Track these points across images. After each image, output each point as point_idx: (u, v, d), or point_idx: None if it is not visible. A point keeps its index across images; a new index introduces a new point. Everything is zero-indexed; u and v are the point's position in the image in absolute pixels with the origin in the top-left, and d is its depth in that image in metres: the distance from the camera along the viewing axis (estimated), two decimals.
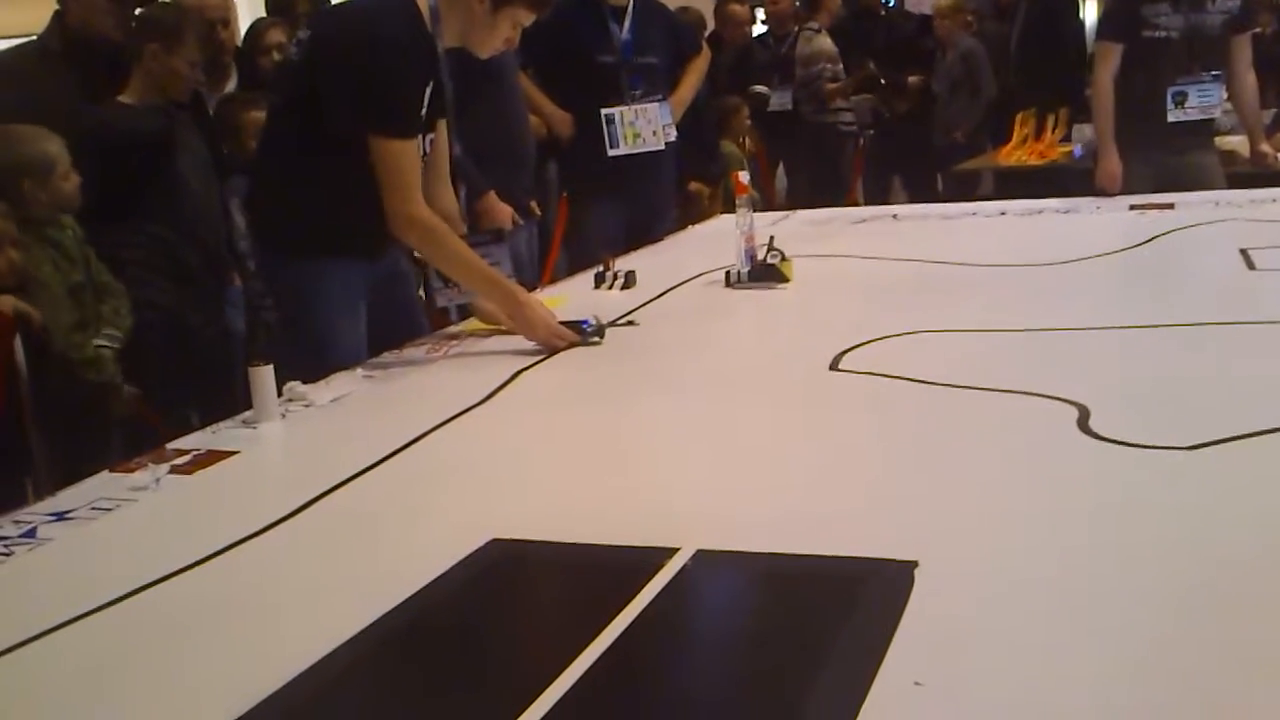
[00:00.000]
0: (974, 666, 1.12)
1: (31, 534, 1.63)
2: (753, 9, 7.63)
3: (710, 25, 6.83)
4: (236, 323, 3.75)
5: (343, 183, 2.45)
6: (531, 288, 3.31)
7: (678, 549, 1.40)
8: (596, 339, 2.50)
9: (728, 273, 2.99)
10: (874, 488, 1.61)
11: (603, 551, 1.45)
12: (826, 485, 1.63)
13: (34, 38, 3.74)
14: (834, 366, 2.19)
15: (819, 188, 6.65)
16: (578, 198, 4.29)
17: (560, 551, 1.47)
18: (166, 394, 3.30)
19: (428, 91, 2.51)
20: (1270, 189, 3.77)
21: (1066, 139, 5.83)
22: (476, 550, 1.46)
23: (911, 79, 7.01)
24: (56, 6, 3.62)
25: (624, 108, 4.06)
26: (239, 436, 2.02)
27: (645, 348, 2.51)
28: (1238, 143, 4.61)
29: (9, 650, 1.29)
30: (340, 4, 2.94)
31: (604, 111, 4.04)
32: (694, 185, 5.52)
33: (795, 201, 6.25)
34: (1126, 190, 4.10)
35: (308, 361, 2.43)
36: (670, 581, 1.33)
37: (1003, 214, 3.94)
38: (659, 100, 4.13)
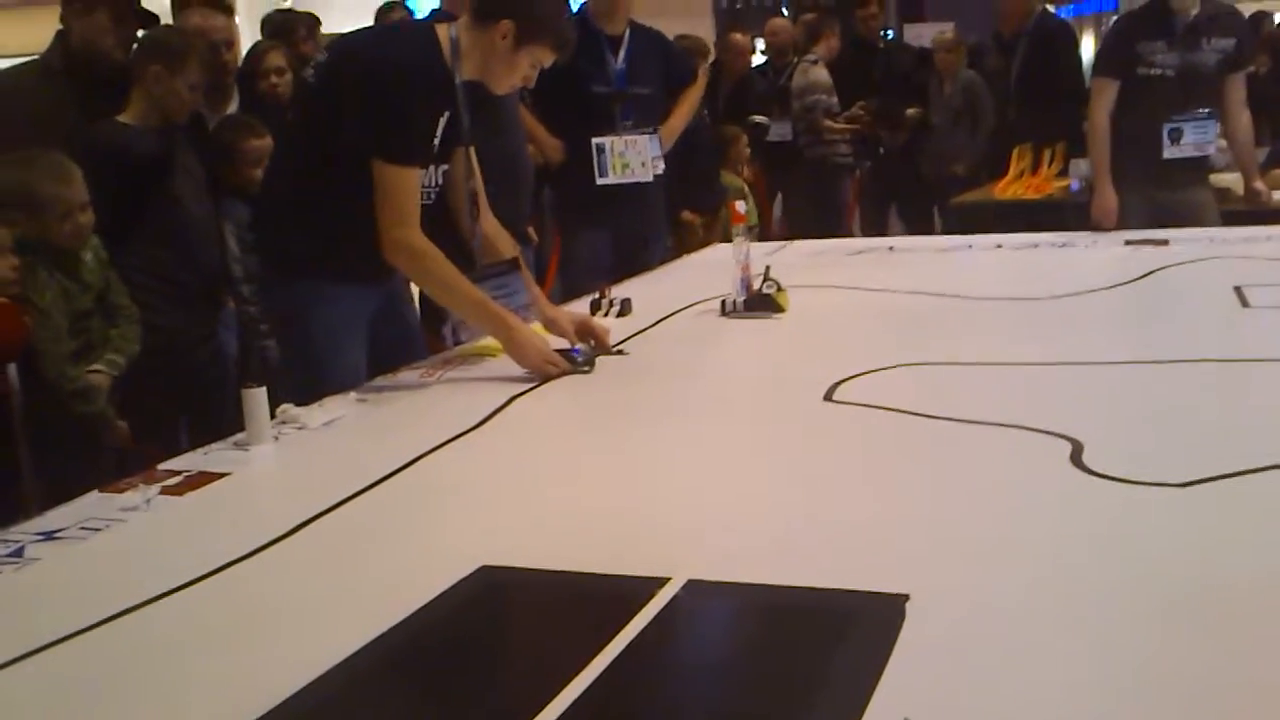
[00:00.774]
0: (965, 701, 1.11)
1: (19, 553, 1.62)
2: (754, 39, 7.67)
3: (712, 54, 6.86)
4: (230, 345, 3.74)
5: (351, 207, 2.46)
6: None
7: (669, 579, 1.39)
8: (587, 368, 2.50)
9: (723, 302, 3.00)
10: (866, 520, 1.60)
11: (594, 580, 1.45)
12: (819, 516, 1.63)
13: (36, 57, 3.75)
14: (828, 397, 2.19)
15: (815, 219, 6.68)
16: (567, 225, 4.31)
17: (550, 579, 1.46)
18: (159, 415, 3.29)
19: (442, 122, 2.52)
20: (1264, 227, 3.79)
21: (1063, 174, 5.85)
22: (466, 577, 1.45)
23: (909, 112, 7.04)
24: (60, 26, 3.63)
25: (614, 138, 4.09)
26: (231, 458, 2.02)
27: (640, 376, 2.51)
28: (1232, 180, 4.63)
29: None
30: (361, 29, 2.96)
31: (595, 141, 4.07)
32: (686, 215, 5.54)
33: (792, 232, 6.27)
34: (1122, 226, 4.11)
35: (307, 384, 2.43)
36: (661, 611, 1.33)
37: (998, 247, 3.95)
38: (650, 133, 4.17)
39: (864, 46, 7.47)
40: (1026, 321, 2.80)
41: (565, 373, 2.46)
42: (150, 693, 1.25)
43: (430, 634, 1.34)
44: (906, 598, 1.31)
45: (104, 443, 3.05)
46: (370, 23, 4.68)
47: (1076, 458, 1.75)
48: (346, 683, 1.23)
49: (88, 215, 3.02)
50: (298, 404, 2.24)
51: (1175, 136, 4.14)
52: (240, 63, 4.29)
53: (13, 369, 2.99)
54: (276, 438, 2.11)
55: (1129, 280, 3.19)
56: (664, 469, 1.91)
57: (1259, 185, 4.32)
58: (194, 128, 3.69)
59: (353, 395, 2.40)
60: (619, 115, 4.11)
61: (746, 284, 2.97)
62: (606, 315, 3.06)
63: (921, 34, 8.17)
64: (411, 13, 5.35)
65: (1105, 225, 4.15)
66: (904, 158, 7.07)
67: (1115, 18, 6.80)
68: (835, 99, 7.02)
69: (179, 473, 1.94)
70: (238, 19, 4.56)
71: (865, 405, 2.12)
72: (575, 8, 4.06)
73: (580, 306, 3.20)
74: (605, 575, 1.45)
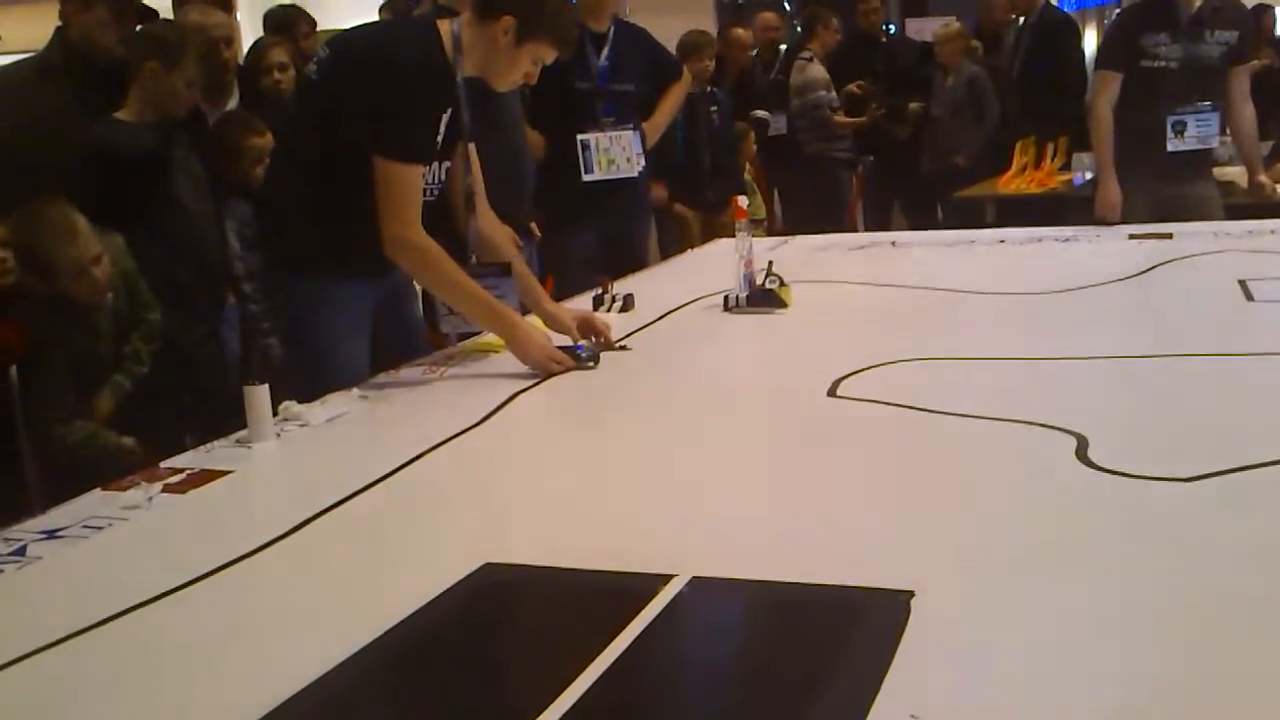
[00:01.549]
0: (971, 698, 1.11)
1: (21, 552, 1.62)
2: (770, 31, 7.67)
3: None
4: (232, 342, 3.74)
5: (353, 203, 2.45)
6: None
7: (674, 575, 1.39)
8: (591, 364, 2.49)
9: (726, 297, 2.99)
10: (871, 516, 1.60)
11: (598, 577, 1.44)
12: (823, 512, 1.62)
13: (35, 53, 3.74)
14: (832, 393, 2.18)
15: (816, 214, 6.67)
16: (552, 222, 4.32)
17: (554, 577, 1.46)
18: (160, 413, 3.29)
19: (444, 119, 2.51)
20: (1268, 220, 3.78)
21: (1066, 167, 5.84)
22: (469, 574, 1.45)
23: (912, 106, 7.04)
24: (59, 22, 3.62)
25: (598, 134, 4.10)
26: (233, 456, 2.01)
27: (643, 372, 2.50)
28: (1236, 173, 4.62)
29: None
30: (363, 25, 2.95)
31: (579, 137, 4.07)
32: (678, 208, 5.55)
33: (791, 227, 6.27)
34: (1125, 219, 4.10)
35: (310, 380, 2.43)
36: (665, 608, 1.32)
37: (1001, 242, 3.95)
38: (632, 128, 4.17)
39: (865, 41, 7.47)
40: (1030, 316, 2.80)
41: (569, 369, 2.45)
42: (153, 691, 1.24)
43: (433, 632, 1.33)
44: (912, 594, 1.30)
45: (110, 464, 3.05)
46: (371, 18, 4.67)
47: (1082, 452, 1.75)
48: (350, 681, 1.22)
49: (101, 267, 3.01)
50: (300, 401, 2.24)
51: (1179, 129, 4.13)
52: (240, 59, 4.29)
53: (14, 370, 3.00)
54: (279, 435, 2.11)
55: (1133, 274, 3.18)
56: (667, 465, 1.90)
57: (1263, 178, 4.30)
58: (193, 124, 3.69)
59: (355, 392, 2.39)
60: (601, 111, 4.12)
61: (750, 279, 2.96)
62: (609, 311, 3.06)
63: (923, 28, 8.14)
64: (412, 7, 5.34)
65: (1109, 219, 4.14)
66: (907, 152, 7.06)
67: (1118, 10, 6.79)
68: (834, 94, 7.02)
69: (181, 470, 1.94)
70: (240, 15, 4.56)
71: (869, 400, 2.12)
72: None
73: (571, 303, 3.20)
74: (609, 572, 1.44)
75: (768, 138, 6.94)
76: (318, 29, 5.02)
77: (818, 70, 7.03)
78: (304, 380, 2.46)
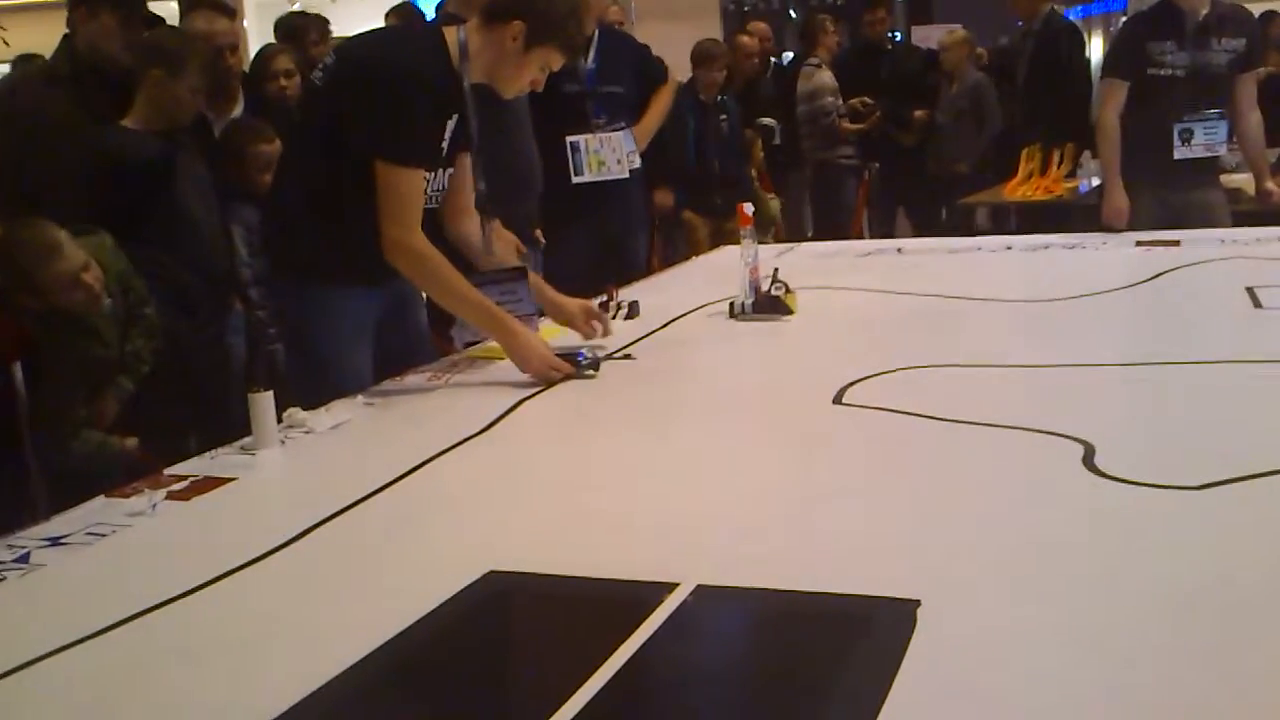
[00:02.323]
0: (978, 709, 1.10)
1: (25, 559, 1.61)
2: (762, 41, 7.66)
3: None
4: (237, 349, 3.74)
5: (357, 209, 2.44)
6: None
7: (677, 584, 1.38)
8: (591, 372, 2.47)
9: (731, 304, 2.98)
10: (877, 524, 1.59)
11: (602, 585, 1.43)
12: (829, 521, 1.61)
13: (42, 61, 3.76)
14: (838, 400, 2.17)
15: (819, 221, 6.66)
16: (545, 226, 4.31)
17: (558, 585, 1.45)
18: (165, 419, 3.29)
19: (450, 125, 2.51)
20: (1276, 227, 3.77)
21: (1072, 175, 5.84)
22: (474, 582, 1.44)
23: (917, 114, 7.04)
24: (66, 30, 3.63)
25: (588, 136, 4.09)
26: (237, 463, 2.01)
27: (648, 379, 2.50)
28: (1244, 180, 4.61)
29: (1, 677, 1.28)
30: (368, 32, 2.95)
31: (569, 139, 4.06)
32: (687, 215, 5.56)
33: (793, 235, 6.27)
34: (1132, 226, 4.10)
35: (314, 387, 2.42)
36: (669, 617, 1.31)
37: (1008, 249, 3.94)
38: (623, 129, 4.16)
39: (871, 49, 7.48)
40: (1037, 323, 2.79)
41: (569, 377, 2.44)
42: (157, 699, 1.24)
43: (438, 640, 1.33)
44: (918, 603, 1.29)
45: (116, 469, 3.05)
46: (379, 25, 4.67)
47: (1089, 460, 1.74)
48: (354, 689, 1.22)
49: (92, 273, 3.00)
50: (305, 408, 2.23)
51: (1186, 137, 4.12)
52: (245, 66, 4.29)
53: (18, 370, 3.00)
54: (283, 442, 2.10)
55: (1140, 281, 3.17)
56: (672, 473, 1.89)
57: (1270, 185, 4.29)
58: (198, 131, 3.69)
59: (360, 399, 2.39)
60: (591, 113, 4.11)
61: (755, 286, 2.95)
62: (614, 318, 3.05)
63: (929, 36, 8.15)
64: (421, 14, 5.35)
65: (1116, 226, 4.13)
66: (912, 159, 7.06)
67: (1124, 18, 6.78)
68: (841, 100, 7.03)
69: (185, 478, 1.93)
70: (249, 22, 4.56)
71: (875, 408, 2.11)
72: None
73: None
74: (614, 580, 1.44)
75: (772, 145, 6.95)
76: (331, 36, 5.03)
77: (826, 76, 7.04)
78: (308, 387, 2.45)
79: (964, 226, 5.96)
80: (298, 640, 1.35)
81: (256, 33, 8.74)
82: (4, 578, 1.56)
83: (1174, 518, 1.54)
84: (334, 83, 2.51)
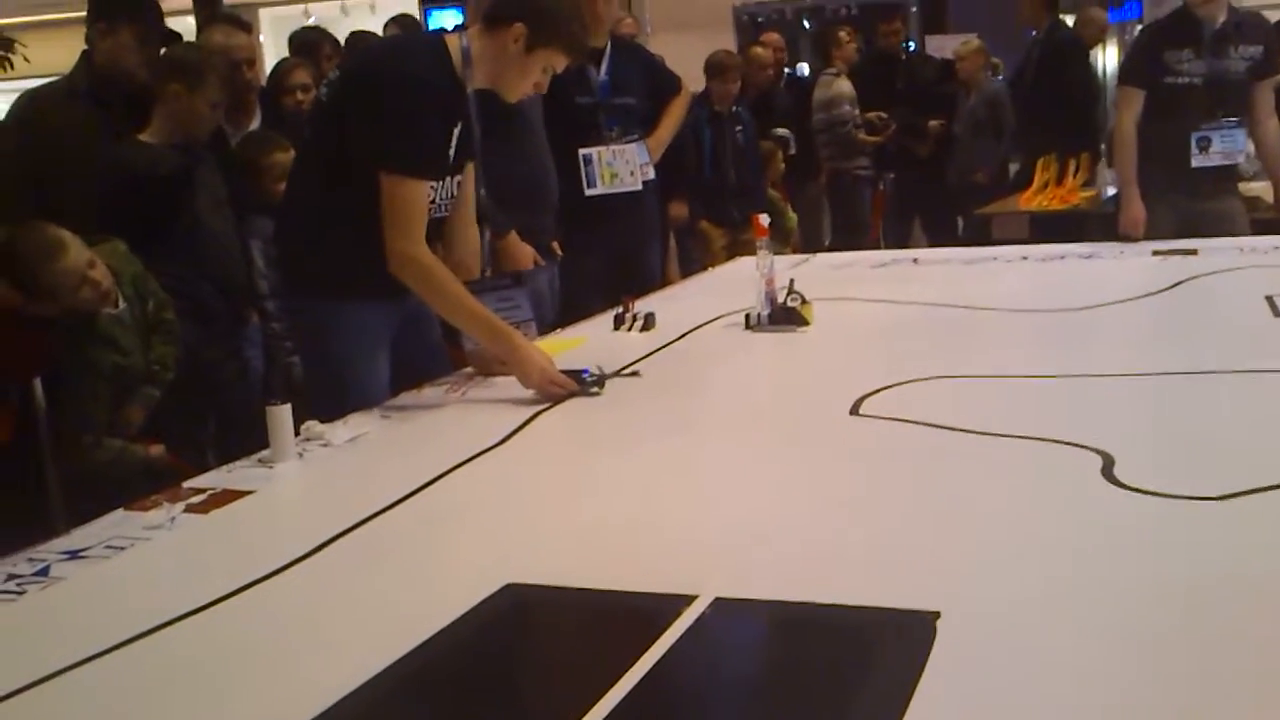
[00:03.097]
0: None
1: (45, 572, 1.62)
2: (776, 51, 7.67)
3: None
4: (255, 362, 3.75)
5: (366, 223, 2.44)
6: (551, 328, 3.31)
7: (696, 596, 1.38)
8: (596, 389, 2.43)
9: (748, 315, 2.98)
10: (895, 536, 1.58)
11: (620, 598, 1.43)
12: (847, 532, 1.61)
13: (60, 77, 3.78)
14: (855, 411, 2.17)
15: (835, 232, 6.65)
16: (558, 237, 4.31)
17: (576, 598, 1.45)
18: (183, 432, 3.30)
19: (455, 134, 2.51)
20: None
21: (1089, 184, 5.82)
22: (491, 595, 1.44)
23: (933, 123, 7.03)
24: (85, 46, 3.66)
25: (601, 148, 4.08)
26: (255, 476, 2.01)
27: (663, 391, 2.49)
28: (1261, 189, 4.58)
29: (20, 690, 1.28)
30: (371, 43, 2.96)
31: (581, 152, 4.05)
32: (703, 226, 5.56)
33: (809, 245, 6.27)
34: (1149, 236, 4.08)
35: (330, 402, 2.42)
36: (688, 630, 1.31)
37: (1024, 259, 3.93)
38: (636, 140, 4.16)
39: (886, 59, 7.48)
40: (1054, 333, 2.78)
41: (572, 394, 2.41)
42: (175, 714, 1.24)
43: (455, 653, 1.33)
44: (938, 615, 1.29)
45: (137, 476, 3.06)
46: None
47: (1108, 471, 1.73)
48: (371, 703, 1.22)
49: (98, 270, 3.01)
50: (322, 421, 2.24)
51: (1203, 145, 4.11)
52: (262, 80, 4.31)
53: (38, 387, 3.01)
54: (301, 455, 2.11)
55: (1158, 290, 3.16)
56: (689, 485, 1.89)
57: None
58: (216, 144, 3.71)
59: (377, 412, 2.39)
60: (604, 124, 4.11)
61: (771, 297, 2.95)
62: (631, 330, 3.05)
63: (943, 45, 8.15)
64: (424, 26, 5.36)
65: (1133, 235, 4.12)
66: (927, 169, 7.05)
67: (1140, 27, 6.77)
68: (858, 110, 7.03)
69: (203, 490, 1.94)
70: (264, 37, 4.59)
71: (892, 419, 2.10)
72: None
73: (605, 321, 3.19)
74: (631, 593, 1.44)
75: (788, 156, 6.95)
76: (341, 51, 5.05)
77: (844, 85, 7.05)
78: (325, 400, 2.46)
79: (980, 237, 5.94)
80: (316, 654, 1.36)
81: (272, 47, 8.81)
82: (24, 591, 1.56)
83: (1194, 528, 1.53)
84: (338, 96, 2.52)
